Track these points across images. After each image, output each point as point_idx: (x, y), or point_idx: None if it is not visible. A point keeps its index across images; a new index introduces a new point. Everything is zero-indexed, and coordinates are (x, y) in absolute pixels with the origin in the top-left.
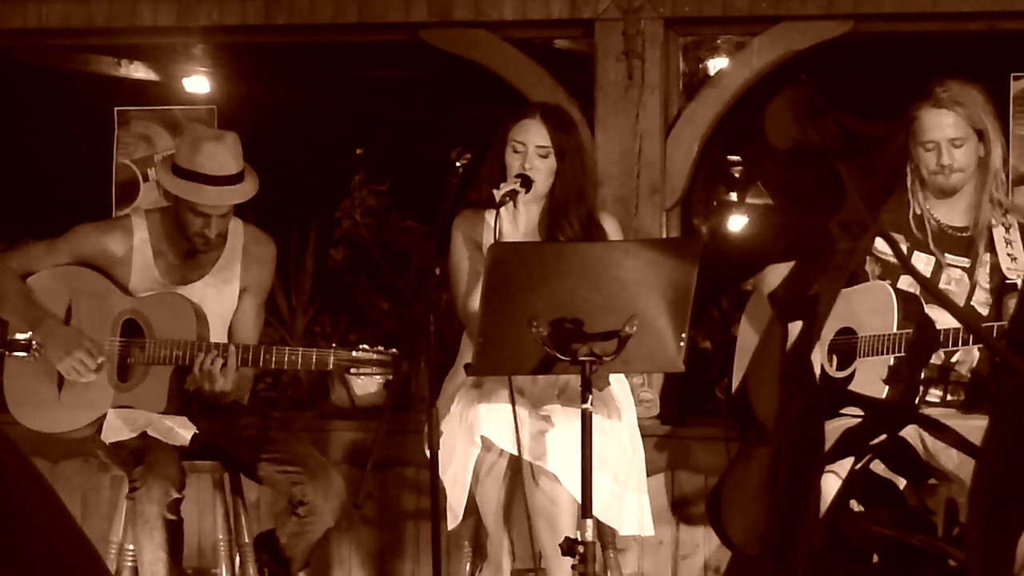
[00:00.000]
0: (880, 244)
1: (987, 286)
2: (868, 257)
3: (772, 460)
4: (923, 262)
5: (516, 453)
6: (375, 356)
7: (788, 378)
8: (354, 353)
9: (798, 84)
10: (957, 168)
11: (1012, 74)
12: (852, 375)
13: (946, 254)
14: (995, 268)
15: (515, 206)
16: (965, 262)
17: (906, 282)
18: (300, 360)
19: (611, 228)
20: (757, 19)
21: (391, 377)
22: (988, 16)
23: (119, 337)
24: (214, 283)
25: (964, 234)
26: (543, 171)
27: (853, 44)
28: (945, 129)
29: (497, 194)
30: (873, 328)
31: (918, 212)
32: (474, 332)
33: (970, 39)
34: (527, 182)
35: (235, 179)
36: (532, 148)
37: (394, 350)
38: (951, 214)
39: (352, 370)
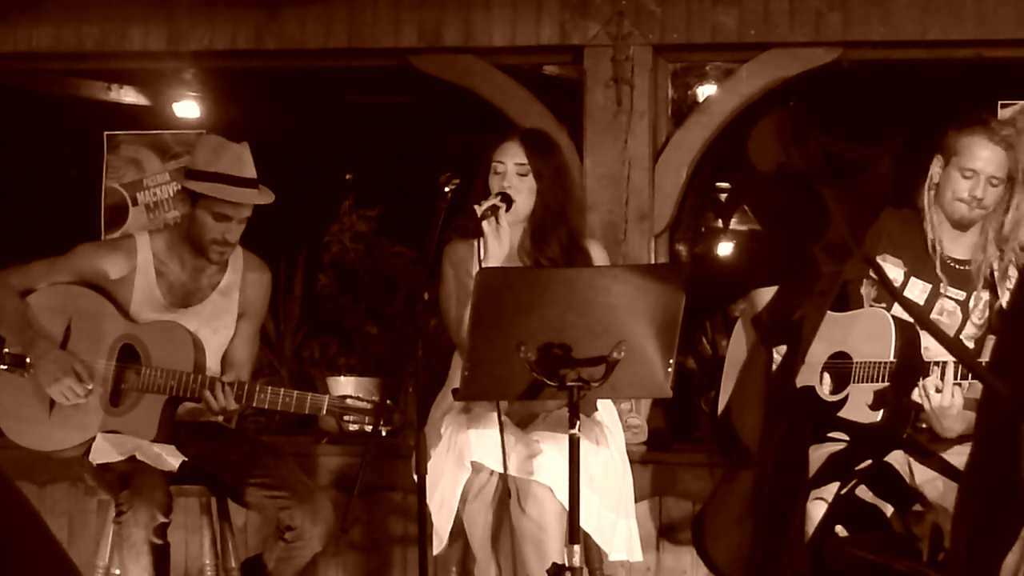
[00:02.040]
0: None
1: (978, 322)
2: (864, 280)
3: (756, 484)
4: (919, 288)
5: (503, 471)
6: (368, 406)
7: (772, 402)
8: (348, 401)
9: (783, 109)
10: (984, 205)
11: (999, 101)
12: (844, 400)
13: (943, 283)
14: (989, 305)
15: (498, 222)
16: (960, 295)
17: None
18: (294, 402)
19: (597, 253)
20: (745, 46)
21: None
22: (975, 44)
23: (115, 361)
24: (214, 307)
25: (964, 267)
26: (523, 190)
27: (842, 71)
28: (991, 164)
29: (478, 209)
30: (868, 354)
31: (930, 236)
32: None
33: (958, 67)
34: (507, 199)
35: (256, 183)
36: (511, 166)
37: (389, 401)
38: (954, 245)
39: (345, 417)
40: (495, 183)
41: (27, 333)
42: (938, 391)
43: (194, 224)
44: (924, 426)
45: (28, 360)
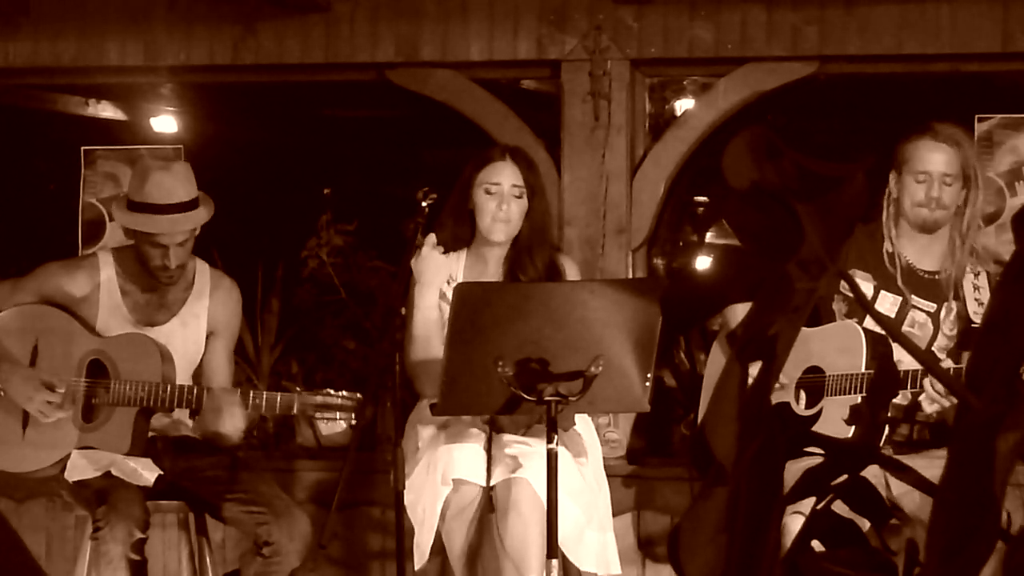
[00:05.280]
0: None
1: (950, 333)
2: (835, 295)
3: (731, 499)
4: (889, 302)
5: (485, 484)
6: (340, 400)
7: (746, 418)
8: (319, 397)
9: (757, 125)
10: (943, 205)
11: (976, 115)
12: (819, 414)
13: (913, 296)
14: (960, 316)
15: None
16: (931, 306)
17: (873, 321)
18: (264, 404)
19: (570, 271)
20: (723, 60)
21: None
22: (952, 58)
23: (84, 377)
24: (181, 325)
25: (933, 277)
26: (516, 212)
27: (819, 85)
28: (940, 164)
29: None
30: (841, 367)
31: (890, 250)
32: (424, 382)
33: (935, 81)
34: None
35: (186, 206)
36: (507, 188)
37: (359, 395)
38: (922, 257)
39: (317, 414)
40: (488, 204)
41: None
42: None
43: (139, 252)
44: (901, 437)
45: None
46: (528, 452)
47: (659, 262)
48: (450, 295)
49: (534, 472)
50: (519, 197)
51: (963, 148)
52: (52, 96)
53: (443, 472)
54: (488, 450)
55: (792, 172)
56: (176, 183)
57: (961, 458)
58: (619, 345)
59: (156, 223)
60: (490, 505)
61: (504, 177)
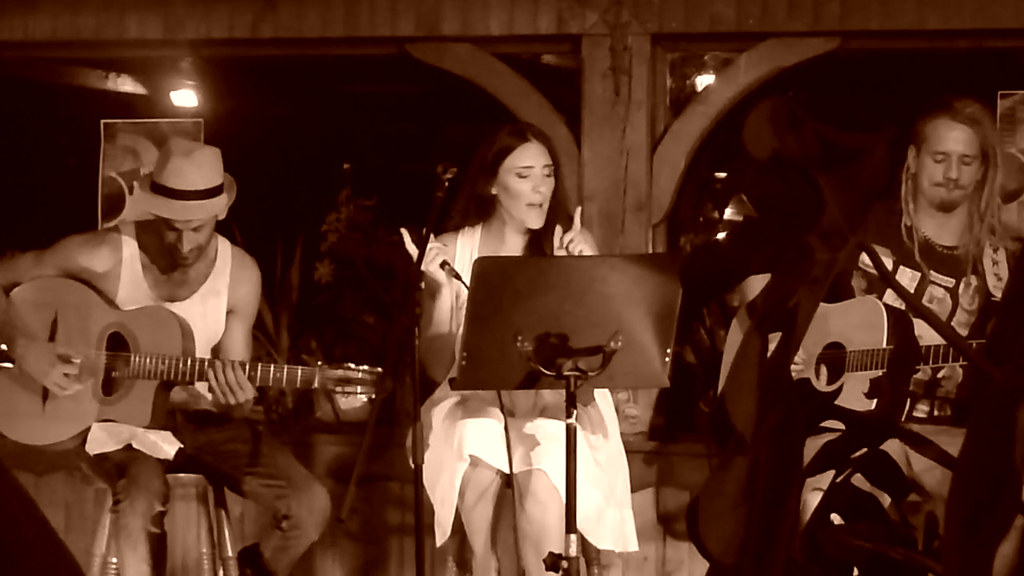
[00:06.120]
0: (865, 258)
1: (969, 308)
2: (854, 271)
3: (750, 471)
4: (908, 277)
5: (507, 470)
6: (360, 375)
7: (766, 389)
8: (339, 371)
9: (779, 96)
10: (961, 185)
11: (999, 92)
12: (839, 389)
13: (931, 271)
14: (978, 290)
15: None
16: (949, 281)
17: (892, 296)
18: (285, 377)
19: (587, 241)
20: (744, 35)
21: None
22: (975, 34)
23: (104, 350)
24: (202, 302)
25: (952, 252)
26: (548, 192)
27: (840, 61)
28: (959, 144)
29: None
30: (862, 343)
31: (908, 224)
32: (434, 360)
33: (957, 57)
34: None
35: (204, 194)
36: (539, 169)
37: (379, 369)
38: (940, 232)
39: (338, 388)
40: (524, 187)
41: (6, 331)
42: None
43: (158, 228)
44: (923, 414)
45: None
46: (544, 436)
47: (683, 239)
48: (462, 272)
49: (551, 462)
50: (549, 176)
51: (982, 126)
52: (72, 70)
53: (459, 446)
54: (506, 433)
55: (813, 143)
56: (195, 171)
57: (981, 430)
58: (639, 320)
59: (169, 208)
60: (509, 484)
61: (535, 159)
